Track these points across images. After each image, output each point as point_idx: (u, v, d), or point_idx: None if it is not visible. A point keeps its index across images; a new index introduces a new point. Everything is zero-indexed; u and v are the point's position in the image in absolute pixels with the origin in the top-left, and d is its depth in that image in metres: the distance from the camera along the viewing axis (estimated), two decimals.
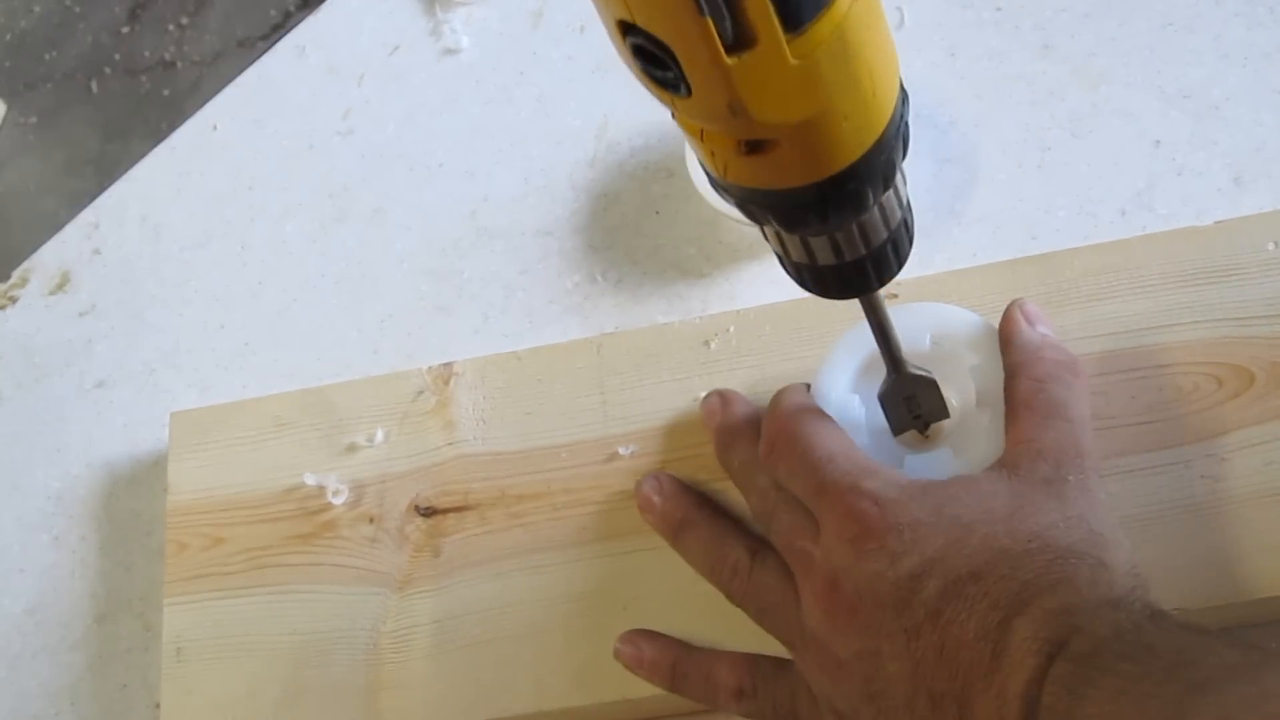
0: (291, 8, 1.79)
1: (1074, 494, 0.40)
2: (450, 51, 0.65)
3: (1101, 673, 0.33)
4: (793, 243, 0.35)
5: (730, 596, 0.45)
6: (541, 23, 0.65)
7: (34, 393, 0.62)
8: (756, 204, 0.32)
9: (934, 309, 0.46)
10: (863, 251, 0.35)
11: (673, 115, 0.31)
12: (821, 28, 0.27)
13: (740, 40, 0.26)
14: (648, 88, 0.29)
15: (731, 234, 0.56)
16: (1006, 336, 0.44)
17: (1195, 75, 0.55)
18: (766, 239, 0.37)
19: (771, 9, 0.26)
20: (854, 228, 0.34)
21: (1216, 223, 0.49)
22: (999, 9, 0.58)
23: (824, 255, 0.35)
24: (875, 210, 0.34)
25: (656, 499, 0.47)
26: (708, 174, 0.33)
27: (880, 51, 0.30)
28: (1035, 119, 0.56)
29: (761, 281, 0.55)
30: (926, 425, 0.45)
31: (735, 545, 0.45)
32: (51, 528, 0.59)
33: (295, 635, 0.50)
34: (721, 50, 0.26)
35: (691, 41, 0.26)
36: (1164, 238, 0.49)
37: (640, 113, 0.60)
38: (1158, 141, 0.54)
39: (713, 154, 0.31)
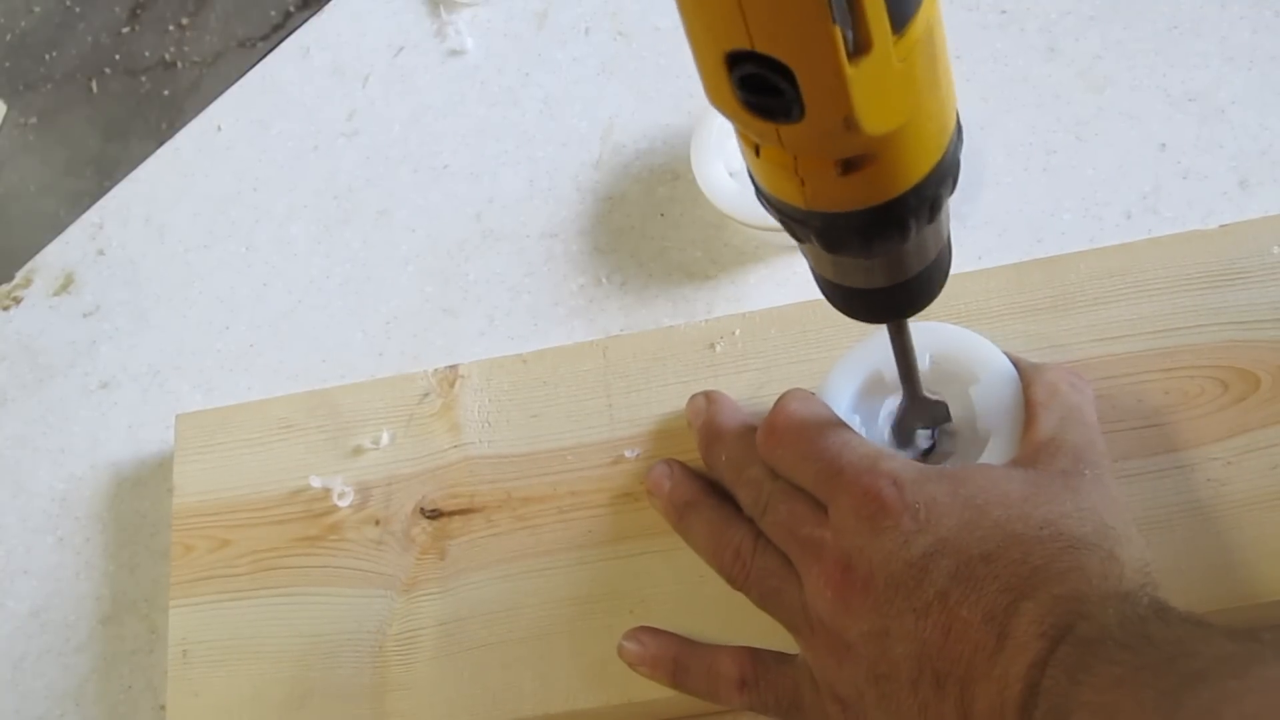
0: (291, 8, 1.79)
1: (1089, 488, 0.40)
2: (455, 53, 0.65)
3: (1101, 661, 0.34)
4: (858, 267, 0.35)
5: (732, 580, 0.45)
6: (546, 24, 0.65)
7: (38, 394, 0.62)
8: (840, 229, 0.32)
9: (932, 328, 0.46)
10: (928, 263, 0.35)
11: (756, 154, 0.30)
12: (917, 26, 0.27)
13: (858, 46, 0.26)
14: (744, 123, 0.28)
15: (737, 236, 0.56)
16: (1013, 357, 0.45)
17: (1201, 78, 0.55)
18: (814, 267, 0.36)
19: (885, 10, 0.26)
20: (923, 238, 0.34)
21: (1221, 226, 0.49)
22: (1004, 11, 0.58)
23: (883, 277, 0.35)
24: (941, 218, 0.34)
25: (666, 483, 0.48)
26: (780, 211, 0.32)
27: (947, 45, 0.30)
28: (1040, 122, 0.56)
29: (768, 284, 0.55)
30: (934, 448, 0.45)
31: (739, 529, 0.45)
32: (56, 529, 0.59)
33: (301, 637, 0.50)
34: (845, 60, 0.26)
35: (818, 54, 0.26)
36: (1169, 241, 0.49)
37: (646, 115, 0.61)
38: (1163, 144, 0.54)
39: (803, 183, 0.30)
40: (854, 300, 0.37)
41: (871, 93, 0.27)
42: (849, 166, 0.30)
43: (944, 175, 0.31)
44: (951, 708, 0.37)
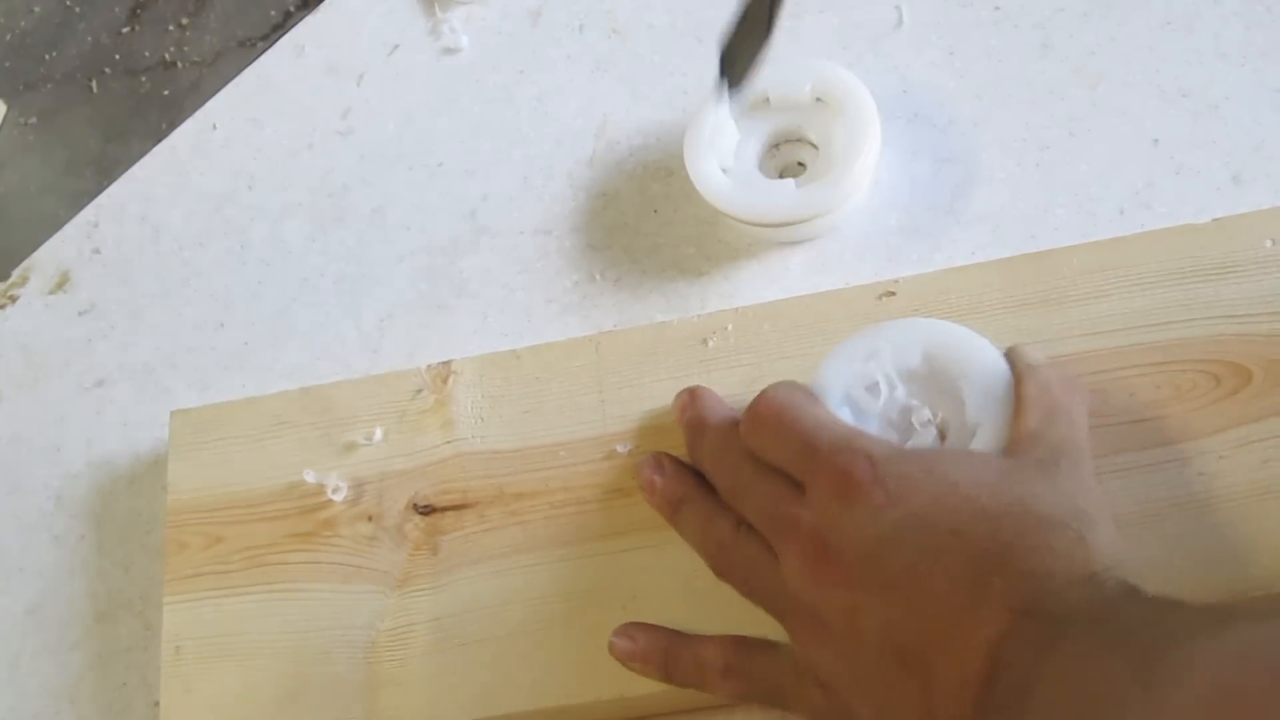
0: (291, 7, 1.79)
1: (1065, 476, 0.40)
2: (450, 51, 0.65)
3: (1067, 637, 0.34)
4: None
5: (718, 571, 0.45)
6: (541, 22, 0.65)
7: (33, 392, 0.62)
8: None
9: (925, 324, 0.46)
10: None
11: None
12: None
13: None
14: None
15: (730, 232, 0.57)
16: (1011, 356, 0.45)
17: (1194, 74, 0.55)
18: None
19: None
20: None
21: (1214, 220, 0.49)
22: (998, 8, 0.58)
23: None
24: None
25: (658, 479, 0.48)
26: None
27: None
28: (1034, 118, 0.56)
29: (760, 280, 0.55)
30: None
31: (723, 520, 0.45)
32: (51, 527, 0.59)
33: (294, 633, 0.50)
34: None
35: None
36: (1161, 235, 0.49)
37: (639, 112, 0.61)
38: (1156, 140, 0.54)
39: None
40: None
41: None
42: None
43: None
44: (916, 681, 0.37)
